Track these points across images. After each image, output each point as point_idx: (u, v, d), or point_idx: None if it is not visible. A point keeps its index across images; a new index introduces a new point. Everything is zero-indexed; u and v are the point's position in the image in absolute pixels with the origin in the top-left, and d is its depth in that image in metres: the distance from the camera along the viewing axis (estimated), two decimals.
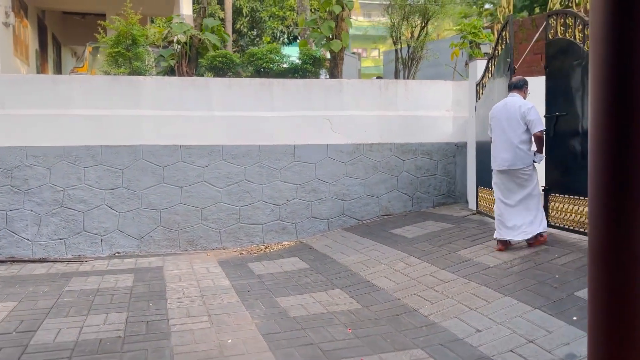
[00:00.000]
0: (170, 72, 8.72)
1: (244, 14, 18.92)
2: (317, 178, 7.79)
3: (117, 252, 7.21)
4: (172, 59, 8.55)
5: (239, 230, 7.60)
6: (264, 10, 17.86)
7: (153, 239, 7.33)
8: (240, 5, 18.69)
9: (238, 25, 18.88)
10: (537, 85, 5.74)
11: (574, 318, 3.65)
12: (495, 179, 5.33)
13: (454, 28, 10.29)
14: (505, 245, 5.30)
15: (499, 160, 5.19)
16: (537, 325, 3.68)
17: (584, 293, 3.96)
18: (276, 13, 16.88)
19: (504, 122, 5.13)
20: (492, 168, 5.35)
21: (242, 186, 7.61)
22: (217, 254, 7.21)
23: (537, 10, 16.51)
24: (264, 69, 8.50)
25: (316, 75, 8.64)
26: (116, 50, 8.22)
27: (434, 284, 4.85)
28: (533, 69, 11.48)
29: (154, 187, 7.32)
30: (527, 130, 5.06)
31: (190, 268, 6.38)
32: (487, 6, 18.11)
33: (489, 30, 9.52)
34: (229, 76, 8.55)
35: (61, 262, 6.80)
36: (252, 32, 19.77)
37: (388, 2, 9.24)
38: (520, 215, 5.12)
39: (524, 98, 5.22)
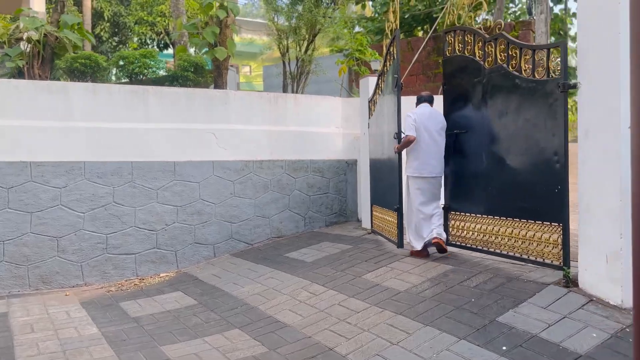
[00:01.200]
0: (19, 74, 7.28)
1: (106, 18, 17.17)
2: (201, 198, 6.96)
3: None
4: (21, 59, 7.14)
5: (107, 262, 6.46)
6: (129, 15, 16.34)
7: None
8: (101, 8, 16.92)
9: (98, 30, 17.07)
10: (411, 103, 5.87)
11: (504, 348, 3.41)
12: (420, 185, 5.36)
13: (337, 46, 10.20)
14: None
15: (430, 167, 5.31)
16: (468, 359, 3.37)
17: (505, 319, 3.78)
18: (144, 18, 15.48)
19: (434, 131, 5.31)
20: (420, 175, 5.34)
21: (110, 210, 6.51)
22: (79, 293, 6.02)
23: (402, 35, 17.41)
24: (136, 75, 7.47)
25: (198, 85, 7.84)
26: None
27: (345, 315, 4.38)
28: (409, 89, 11.88)
29: None
30: None
31: (45, 313, 5.17)
32: (357, 29, 18.67)
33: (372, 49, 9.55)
34: (94, 81, 7.38)
35: None
36: (115, 38, 18.04)
37: (273, 14, 8.81)
38: (434, 222, 5.32)
39: None
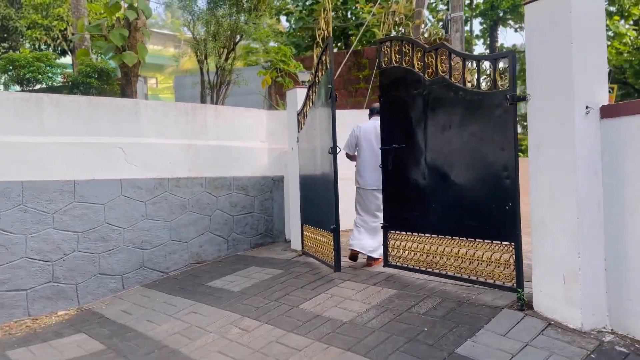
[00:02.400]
0: None
1: None
2: (107, 223, 6.08)
3: None
4: None
5: None
6: (21, 18, 14.71)
7: None
8: None
9: None
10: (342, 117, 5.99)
11: None
12: (361, 197, 5.56)
13: (259, 55, 9.71)
14: (356, 255, 5.58)
15: (370, 180, 5.44)
16: None
17: (465, 350, 3.45)
18: (39, 22, 13.97)
19: (375, 145, 5.36)
20: (362, 187, 5.51)
21: None
22: None
23: (317, 51, 17.34)
24: (29, 81, 6.45)
25: (103, 93, 6.94)
26: None
27: (285, 354, 3.84)
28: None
29: None
30: None
31: None
32: (272, 44, 18.33)
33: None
34: None
35: None
36: (3, 44, 16.16)
37: (189, 18, 8.12)
38: (375, 238, 5.42)
39: None
